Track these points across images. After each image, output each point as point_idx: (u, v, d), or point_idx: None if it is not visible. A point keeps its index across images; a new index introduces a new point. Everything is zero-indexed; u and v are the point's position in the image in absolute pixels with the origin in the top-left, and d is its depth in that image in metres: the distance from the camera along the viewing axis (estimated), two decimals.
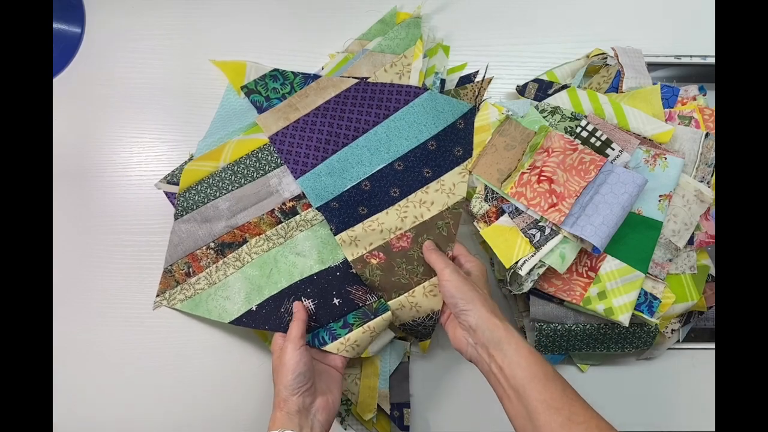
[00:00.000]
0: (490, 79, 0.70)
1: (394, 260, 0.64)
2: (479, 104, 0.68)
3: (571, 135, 0.63)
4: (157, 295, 0.67)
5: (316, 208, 0.65)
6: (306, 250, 0.64)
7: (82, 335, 0.68)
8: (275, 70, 0.69)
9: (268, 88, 0.68)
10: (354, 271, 0.64)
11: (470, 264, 0.61)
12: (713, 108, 0.66)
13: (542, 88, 0.68)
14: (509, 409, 0.50)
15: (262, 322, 0.63)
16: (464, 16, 0.72)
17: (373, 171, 0.65)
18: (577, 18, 0.72)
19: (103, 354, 0.68)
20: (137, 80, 0.71)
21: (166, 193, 0.69)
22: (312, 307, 0.63)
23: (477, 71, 0.71)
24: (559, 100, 0.65)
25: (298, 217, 0.65)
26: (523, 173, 0.62)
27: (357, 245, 0.64)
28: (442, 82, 0.69)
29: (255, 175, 0.65)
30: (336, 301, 0.64)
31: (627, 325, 0.62)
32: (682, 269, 0.65)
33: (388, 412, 0.66)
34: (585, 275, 0.63)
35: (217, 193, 0.65)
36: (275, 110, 0.66)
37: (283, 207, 0.65)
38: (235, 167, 0.65)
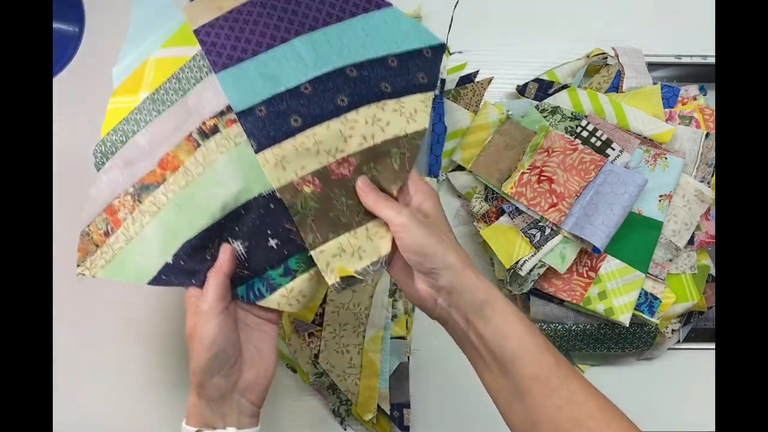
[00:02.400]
0: (490, 80, 0.70)
1: (332, 191, 0.49)
2: (480, 105, 0.69)
3: (571, 135, 0.63)
4: (78, 265, 0.54)
5: (237, 114, 0.49)
6: (229, 178, 0.49)
7: (82, 335, 0.68)
8: None
9: None
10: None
11: (422, 197, 0.46)
12: (714, 108, 0.66)
13: (542, 88, 0.68)
14: (490, 382, 0.43)
15: (185, 276, 0.48)
16: (464, 16, 0.72)
17: (319, 73, 0.50)
18: (578, 18, 0.72)
19: (103, 354, 0.68)
20: None
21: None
22: (243, 250, 0.49)
23: (477, 71, 0.71)
24: (560, 99, 0.65)
25: (218, 135, 0.50)
26: (523, 173, 0.62)
27: (285, 168, 0.49)
28: (442, 81, 0.69)
29: (174, 98, 0.52)
30: (273, 242, 0.49)
31: (627, 325, 0.62)
32: (683, 269, 0.65)
33: (388, 413, 0.66)
34: (585, 275, 0.63)
35: (135, 128, 0.53)
36: None
37: (203, 127, 0.50)
38: (155, 95, 0.53)
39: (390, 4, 0.55)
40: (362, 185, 0.48)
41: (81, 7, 0.71)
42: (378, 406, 0.66)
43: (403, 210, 0.44)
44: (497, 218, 0.64)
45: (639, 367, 0.71)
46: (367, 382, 0.65)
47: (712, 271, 0.67)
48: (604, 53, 0.67)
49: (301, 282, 0.49)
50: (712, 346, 0.71)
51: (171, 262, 0.49)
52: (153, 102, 0.52)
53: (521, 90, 0.69)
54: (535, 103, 0.66)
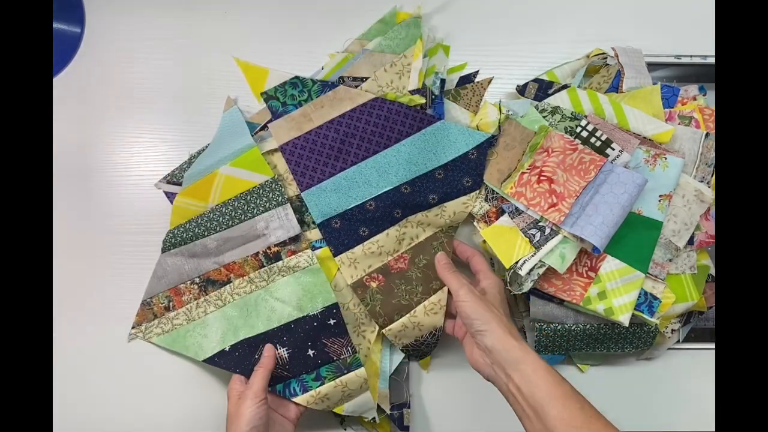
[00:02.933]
0: (490, 80, 0.70)
1: (393, 282, 0.65)
2: (480, 105, 0.69)
3: (571, 135, 0.63)
4: (133, 327, 0.67)
5: (317, 225, 0.65)
6: (286, 297, 0.64)
7: (82, 335, 0.68)
8: (296, 77, 0.67)
9: (286, 95, 0.67)
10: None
11: (487, 281, 0.60)
12: (713, 108, 0.66)
13: (542, 88, 0.68)
14: (529, 427, 0.51)
15: (233, 364, 0.63)
16: (464, 16, 0.72)
17: (380, 192, 0.64)
18: (578, 18, 0.72)
19: (103, 354, 0.68)
20: (137, 80, 0.71)
21: (166, 193, 0.69)
22: (286, 356, 0.63)
23: (477, 71, 0.71)
24: (559, 99, 0.65)
25: (280, 262, 0.64)
26: (523, 173, 0.62)
27: (356, 267, 0.65)
28: (442, 81, 0.69)
29: (243, 218, 0.64)
30: (311, 352, 0.63)
31: (627, 325, 0.62)
32: (682, 269, 0.65)
33: (388, 412, 0.66)
34: (585, 275, 0.63)
35: (206, 233, 0.64)
36: (289, 118, 0.66)
37: (268, 251, 0.65)
38: (224, 209, 0.64)
39: (439, 119, 0.65)
40: (440, 257, 0.63)
41: (81, 7, 0.71)
42: (378, 406, 0.66)
43: (465, 284, 0.58)
44: (497, 218, 0.64)
45: (639, 367, 0.71)
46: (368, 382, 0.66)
47: (712, 271, 0.67)
48: (604, 53, 0.67)
49: (327, 387, 0.62)
50: (712, 346, 0.71)
51: (227, 350, 0.64)
52: (222, 214, 0.64)
53: (521, 90, 0.69)
54: (535, 103, 0.66)
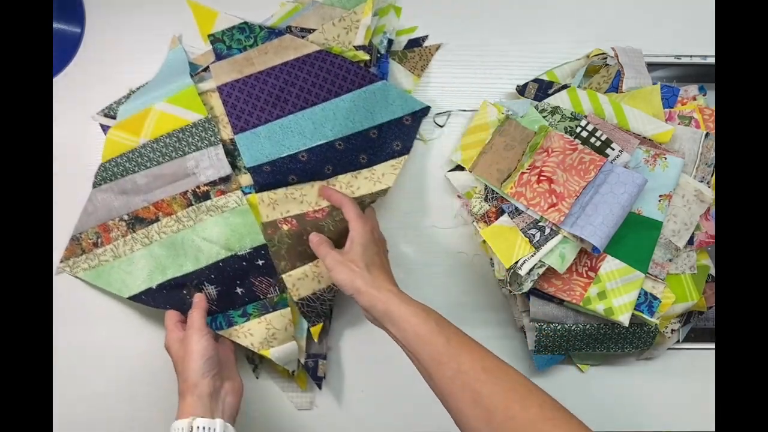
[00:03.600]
0: (438, 46, 0.70)
1: (305, 229, 0.65)
2: (423, 71, 0.69)
3: (571, 135, 0.63)
4: (61, 261, 0.67)
5: (248, 168, 0.65)
6: (214, 237, 0.64)
7: (82, 334, 0.68)
8: (244, 22, 0.68)
9: (233, 39, 0.67)
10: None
11: (352, 232, 0.59)
12: (713, 108, 0.66)
13: (542, 88, 0.68)
14: (419, 372, 0.52)
15: (162, 301, 0.64)
16: (464, 16, 0.72)
17: (314, 145, 0.65)
18: (578, 18, 0.72)
19: (103, 353, 0.68)
20: (137, 80, 0.70)
21: (102, 126, 0.69)
22: (215, 293, 0.64)
23: (426, 36, 0.70)
24: (559, 100, 0.65)
25: (209, 202, 0.65)
26: (522, 173, 0.62)
27: (274, 208, 0.65)
28: (390, 42, 0.69)
29: (173, 155, 0.64)
30: (239, 290, 0.65)
31: (627, 325, 0.62)
32: (682, 269, 0.65)
33: (302, 361, 0.67)
34: (585, 275, 0.63)
35: (136, 168, 0.65)
36: (232, 61, 0.65)
37: (197, 190, 0.65)
38: (155, 145, 0.65)
39: (381, 78, 0.66)
40: (312, 237, 0.62)
41: (81, 7, 0.71)
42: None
43: (330, 253, 0.58)
44: (497, 218, 0.64)
45: (639, 367, 0.71)
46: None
47: (712, 271, 0.67)
48: (603, 53, 0.67)
49: (252, 324, 0.64)
50: (712, 346, 0.71)
51: (154, 288, 0.64)
52: (153, 151, 0.65)
53: (521, 90, 0.69)
54: (535, 103, 0.66)
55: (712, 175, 0.65)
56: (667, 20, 0.72)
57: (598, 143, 0.62)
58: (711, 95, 0.68)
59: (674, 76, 0.72)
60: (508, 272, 0.62)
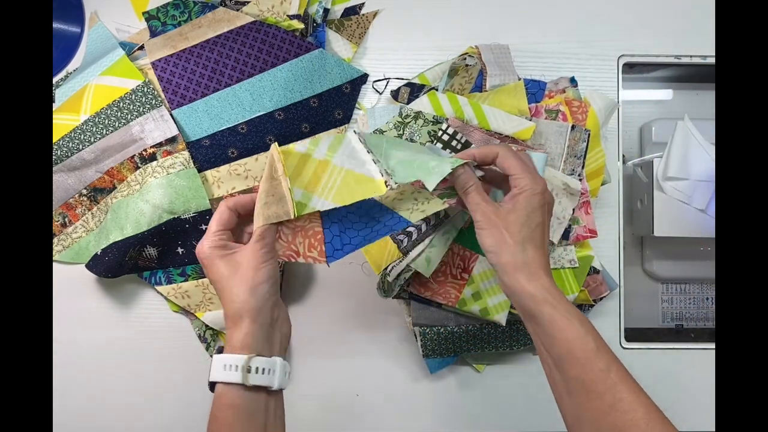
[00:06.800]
0: (376, 13, 0.70)
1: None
2: (362, 39, 0.69)
3: (434, 139, 0.63)
4: None
5: (186, 143, 0.64)
6: (157, 199, 0.63)
7: (82, 334, 0.69)
8: None
9: (167, 15, 0.67)
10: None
11: (518, 192, 0.47)
12: (582, 99, 0.65)
13: (414, 92, 0.68)
14: (547, 372, 0.46)
15: (104, 269, 0.63)
16: (464, 15, 0.72)
17: (253, 116, 0.65)
18: (578, 18, 0.72)
19: (104, 353, 0.69)
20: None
21: None
22: (155, 253, 0.65)
23: (363, 3, 0.70)
24: (421, 104, 0.65)
25: (155, 162, 0.64)
26: None
27: (219, 186, 0.66)
28: (326, 11, 0.69)
29: (117, 125, 0.64)
30: (180, 250, 0.66)
31: (504, 325, 0.62)
32: (561, 264, 0.65)
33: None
34: (458, 277, 0.63)
35: (80, 146, 0.64)
36: (165, 36, 0.66)
37: (143, 153, 0.64)
38: (96, 118, 0.64)
39: (317, 47, 0.66)
40: (463, 175, 0.49)
41: (81, 7, 0.71)
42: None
43: (477, 209, 0.48)
44: None
45: (638, 367, 0.70)
46: None
47: (596, 264, 0.66)
48: (465, 53, 0.67)
49: (189, 284, 0.66)
50: (712, 346, 0.71)
51: (99, 253, 0.63)
52: (95, 125, 0.64)
53: (395, 95, 0.69)
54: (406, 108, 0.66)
55: (582, 167, 0.64)
56: (667, 20, 0.72)
57: (459, 146, 0.62)
58: (582, 86, 0.67)
59: (674, 76, 0.72)
60: (381, 279, 0.63)
